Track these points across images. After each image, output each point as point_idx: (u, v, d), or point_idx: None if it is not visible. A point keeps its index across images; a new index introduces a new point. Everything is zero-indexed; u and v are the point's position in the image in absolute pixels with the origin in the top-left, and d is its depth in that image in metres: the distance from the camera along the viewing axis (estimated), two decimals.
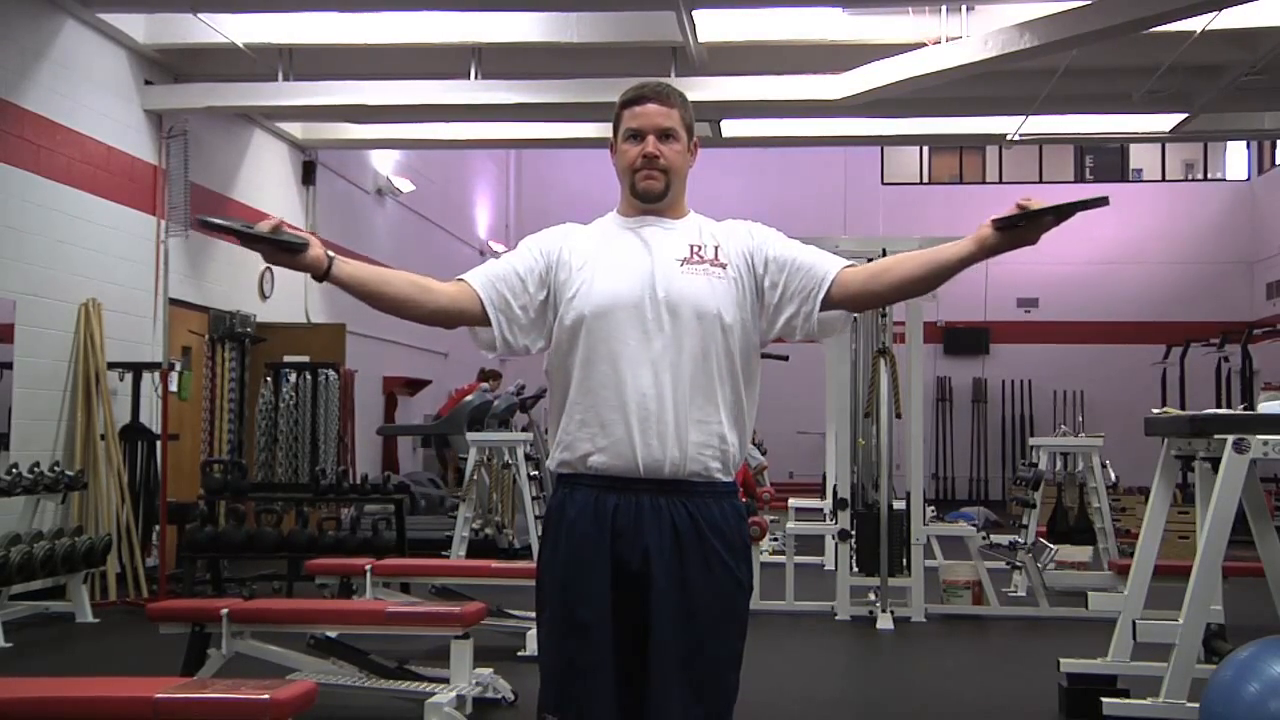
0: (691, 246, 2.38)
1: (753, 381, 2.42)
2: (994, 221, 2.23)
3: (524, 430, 9.77)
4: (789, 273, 2.39)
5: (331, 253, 2.30)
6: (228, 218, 2.29)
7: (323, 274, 2.28)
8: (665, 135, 2.39)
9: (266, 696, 2.97)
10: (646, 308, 2.32)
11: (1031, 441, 9.43)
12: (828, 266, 2.38)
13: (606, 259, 2.37)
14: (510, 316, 2.39)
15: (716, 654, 2.31)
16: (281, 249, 2.24)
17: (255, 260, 10.44)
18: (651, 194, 2.40)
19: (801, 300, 2.38)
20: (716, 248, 2.39)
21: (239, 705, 2.98)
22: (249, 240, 2.23)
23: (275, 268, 10.53)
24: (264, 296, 10.63)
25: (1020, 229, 2.20)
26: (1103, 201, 2.21)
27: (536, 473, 8.00)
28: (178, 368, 8.24)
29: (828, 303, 2.37)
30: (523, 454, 7.98)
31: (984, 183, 18.33)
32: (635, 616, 2.29)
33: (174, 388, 8.04)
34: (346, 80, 9.18)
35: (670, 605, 2.28)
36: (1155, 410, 5.17)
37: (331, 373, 9.20)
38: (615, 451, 2.31)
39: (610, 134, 2.49)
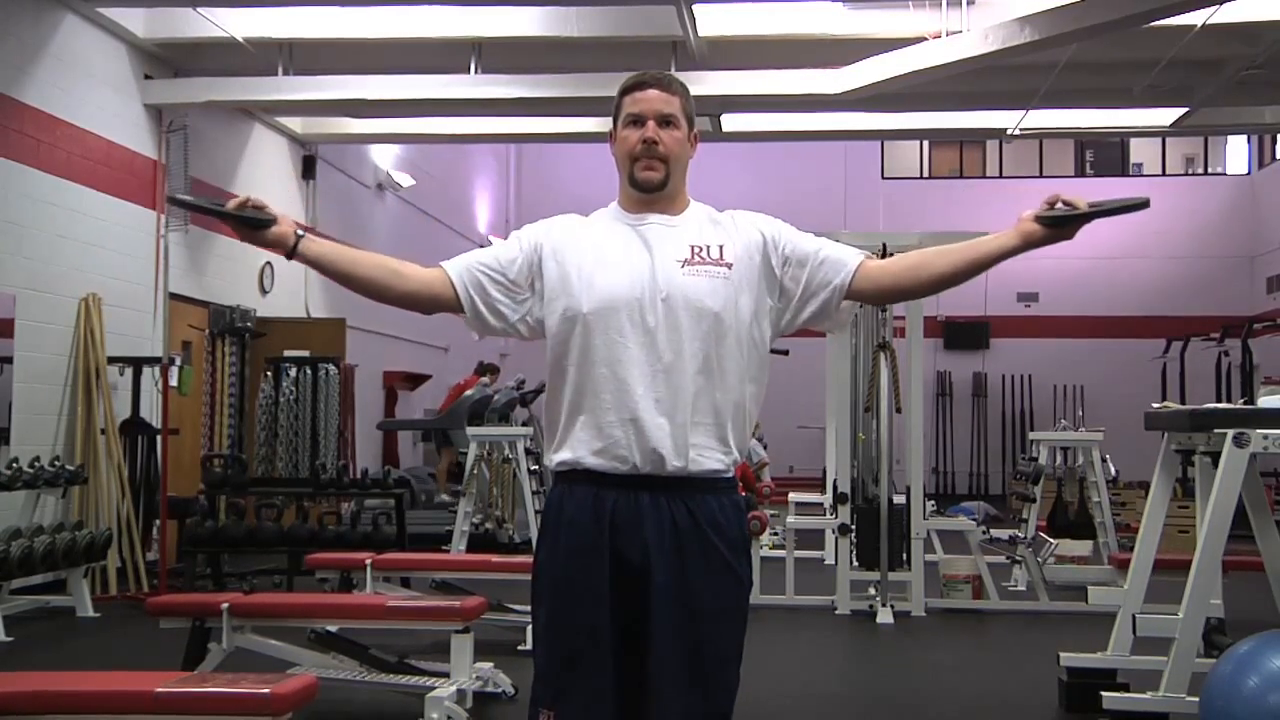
0: (693, 247, 2.34)
1: (756, 380, 2.39)
2: (1038, 218, 2.26)
3: (524, 425, 9.78)
4: (811, 268, 2.39)
5: (302, 231, 2.35)
6: (197, 196, 2.44)
7: (290, 251, 2.32)
8: (666, 122, 2.36)
9: (267, 691, 2.97)
10: (646, 308, 2.29)
11: (1031, 436, 9.43)
12: (848, 259, 2.40)
13: (605, 256, 2.34)
14: (486, 301, 2.40)
15: (716, 650, 2.30)
16: (245, 224, 2.30)
17: (255, 255, 10.48)
18: (650, 184, 2.36)
19: (825, 293, 2.39)
20: (721, 247, 2.36)
21: (240, 699, 2.98)
22: (218, 215, 2.33)
23: (276, 261, 10.61)
24: (264, 291, 10.62)
25: (1062, 227, 2.25)
26: (1143, 204, 2.24)
27: (536, 467, 8.01)
28: (178, 362, 8.24)
29: (848, 294, 2.39)
30: (523, 448, 7.98)
31: (984, 177, 18.34)
32: (634, 612, 2.28)
33: (174, 382, 8.04)
34: (346, 75, 9.17)
35: (670, 601, 2.27)
36: (1155, 405, 5.17)
37: (332, 367, 9.19)
38: (614, 454, 2.29)
39: (610, 124, 2.46)
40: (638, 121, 2.37)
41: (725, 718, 2.31)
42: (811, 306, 2.41)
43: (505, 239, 2.50)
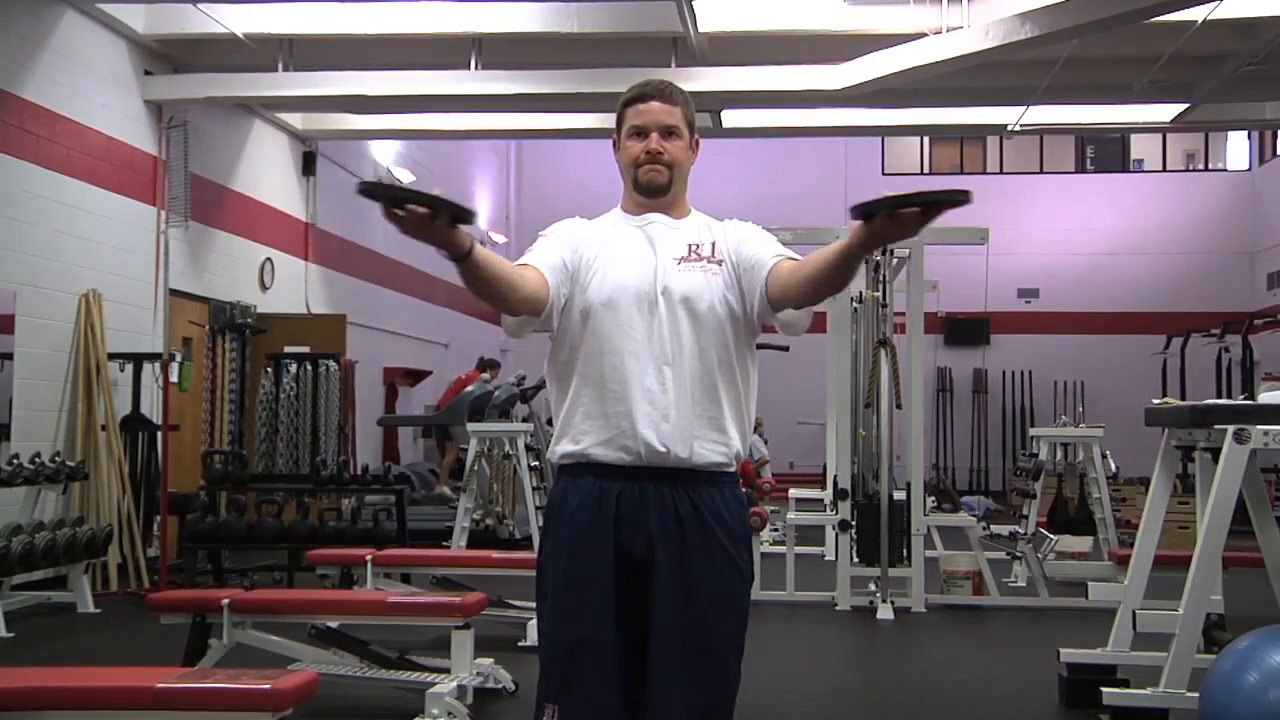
0: (690, 245, 2.41)
1: (749, 373, 2.43)
2: (851, 209, 2.03)
3: (524, 421, 9.77)
4: (750, 268, 2.37)
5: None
6: (392, 184, 2.03)
7: (465, 254, 2.08)
8: (668, 132, 2.42)
9: (268, 686, 2.97)
10: (649, 303, 2.35)
11: (1032, 432, 9.43)
12: (765, 261, 2.35)
13: (614, 253, 2.40)
14: (559, 307, 2.37)
15: (718, 643, 2.32)
16: (450, 212, 1.98)
17: (256, 251, 10.48)
18: (655, 186, 2.42)
19: (754, 299, 2.37)
20: (714, 244, 2.42)
21: (240, 695, 2.98)
22: (420, 201, 1.95)
23: (276, 257, 10.60)
24: (264, 287, 10.62)
25: (887, 218, 1.98)
26: (965, 197, 1.94)
27: (537, 463, 8.00)
28: (178, 358, 8.24)
29: (769, 300, 2.34)
30: (523, 444, 7.98)
31: (985, 173, 18.32)
32: (637, 604, 2.30)
33: (174, 378, 8.05)
34: (346, 71, 9.17)
35: (673, 594, 2.29)
36: (1156, 400, 5.17)
37: (332, 363, 9.20)
38: (619, 444, 2.32)
39: (612, 127, 2.52)
40: (641, 133, 2.42)
41: (727, 711, 2.33)
42: (756, 309, 2.38)
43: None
